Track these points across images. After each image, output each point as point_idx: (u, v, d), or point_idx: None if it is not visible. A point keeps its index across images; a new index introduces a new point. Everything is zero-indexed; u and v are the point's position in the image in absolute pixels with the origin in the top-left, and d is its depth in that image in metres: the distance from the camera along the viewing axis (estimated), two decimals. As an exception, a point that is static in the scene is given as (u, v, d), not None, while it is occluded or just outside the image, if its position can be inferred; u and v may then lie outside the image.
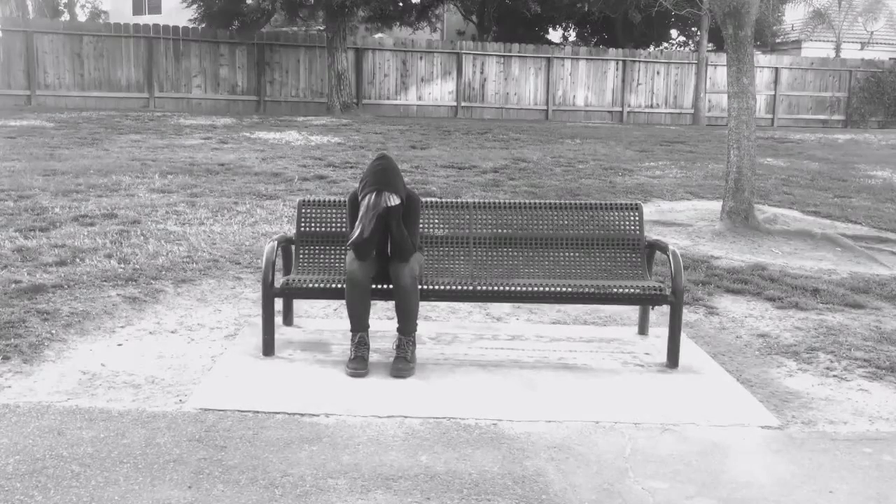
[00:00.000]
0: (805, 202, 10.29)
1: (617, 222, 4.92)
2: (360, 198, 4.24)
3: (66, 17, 36.85)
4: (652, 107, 24.72)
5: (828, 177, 12.90)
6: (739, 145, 8.10)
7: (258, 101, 21.78)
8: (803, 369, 4.63)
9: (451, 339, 4.89)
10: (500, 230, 4.90)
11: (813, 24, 30.91)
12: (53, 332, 4.69)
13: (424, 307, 5.30)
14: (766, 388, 4.31)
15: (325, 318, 5.28)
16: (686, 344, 4.83)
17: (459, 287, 4.47)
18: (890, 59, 29.01)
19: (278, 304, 4.76)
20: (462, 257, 4.84)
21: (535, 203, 5.00)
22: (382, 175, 4.19)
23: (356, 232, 4.19)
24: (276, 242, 4.57)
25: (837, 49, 30.13)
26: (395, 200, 4.19)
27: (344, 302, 4.45)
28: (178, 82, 21.23)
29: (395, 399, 3.97)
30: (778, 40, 32.86)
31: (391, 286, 4.33)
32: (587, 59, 24.24)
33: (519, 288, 4.50)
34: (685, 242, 7.82)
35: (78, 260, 6.18)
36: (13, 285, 5.44)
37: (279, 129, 16.53)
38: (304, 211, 4.85)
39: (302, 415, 3.76)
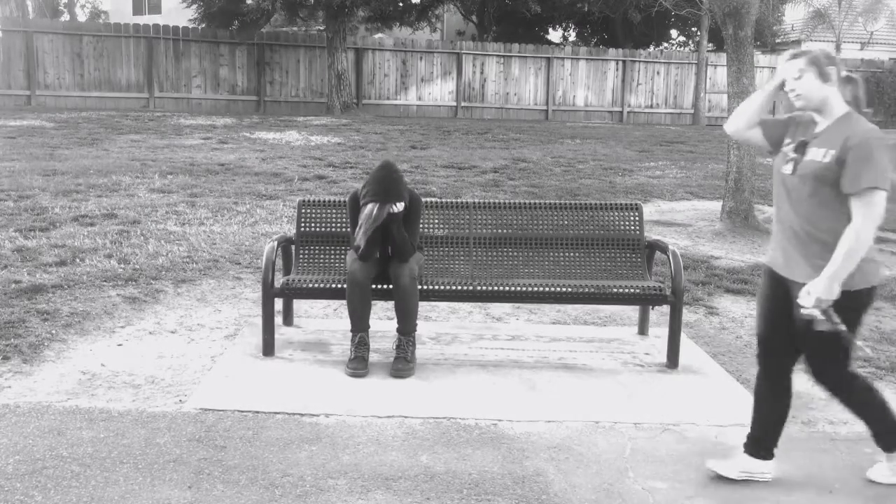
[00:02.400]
0: (805, 202, 10.27)
1: (617, 222, 4.92)
2: (361, 202, 4.25)
3: (66, 17, 36.84)
4: (652, 107, 24.71)
5: (828, 177, 12.89)
6: (739, 145, 8.10)
7: (258, 101, 21.78)
8: (803, 369, 4.62)
9: (451, 339, 4.89)
10: (500, 230, 4.90)
11: (813, 24, 30.86)
12: (53, 332, 4.69)
13: (424, 307, 5.30)
14: (766, 388, 4.30)
15: (325, 318, 5.28)
16: (686, 344, 4.83)
17: (459, 287, 4.47)
18: (890, 59, 29.02)
19: (278, 304, 4.76)
20: (462, 257, 4.84)
21: (535, 203, 5.00)
22: (385, 185, 4.19)
23: (357, 238, 4.22)
24: (276, 242, 4.57)
25: (837, 49, 30.06)
26: (398, 207, 4.21)
27: (344, 302, 4.45)
28: (178, 82, 21.23)
29: (395, 399, 3.97)
30: (778, 40, 32.83)
31: (391, 286, 4.33)
32: (587, 59, 24.23)
33: (519, 288, 4.50)
34: (685, 242, 7.82)
35: (78, 260, 6.18)
36: (13, 285, 5.44)
37: (279, 129, 16.53)
38: (304, 211, 4.85)
39: (302, 415, 3.76)
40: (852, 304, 2.98)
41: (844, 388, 3.20)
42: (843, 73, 3.09)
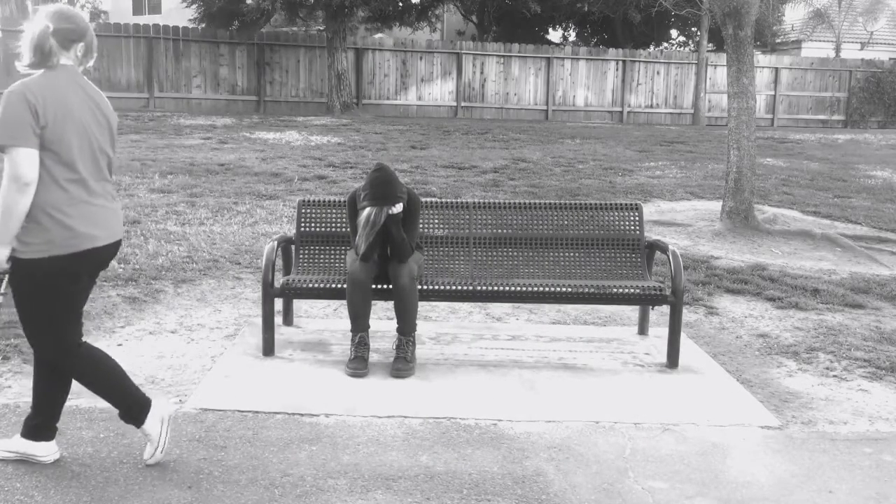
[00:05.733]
0: (805, 202, 10.29)
1: (617, 222, 4.92)
2: (358, 205, 4.25)
3: (66, 17, 36.76)
4: (652, 107, 24.71)
5: (828, 177, 12.91)
6: (739, 145, 8.10)
7: (258, 101, 21.78)
8: (803, 369, 4.63)
9: (451, 339, 4.89)
10: (500, 230, 4.90)
11: (813, 24, 30.88)
12: (53, 332, 4.69)
13: (424, 307, 5.30)
14: (766, 388, 4.31)
15: (325, 318, 5.28)
16: (686, 344, 4.83)
17: (459, 287, 4.47)
18: (890, 59, 29.00)
19: (278, 304, 4.76)
20: (462, 257, 4.84)
21: (535, 203, 5.00)
22: (381, 188, 4.19)
23: (358, 245, 4.22)
24: (276, 242, 4.57)
25: (837, 49, 30.12)
26: (397, 209, 4.21)
27: (344, 302, 4.45)
28: (177, 82, 21.22)
29: (395, 399, 3.97)
30: (778, 40, 32.84)
31: (391, 286, 4.33)
32: (587, 59, 24.23)
33: (519, 288, 4.50)
34: (685, 242, 7.82)
35: (78, 260, 6.17)
36: (13, 285, 5.44)
37: (279, 129, 16.53)
38: (304, 211, 4.85)
39: (302, 415, 3.76)
40: (23, 271, 2.89)
41: (61, 360, 3.12)
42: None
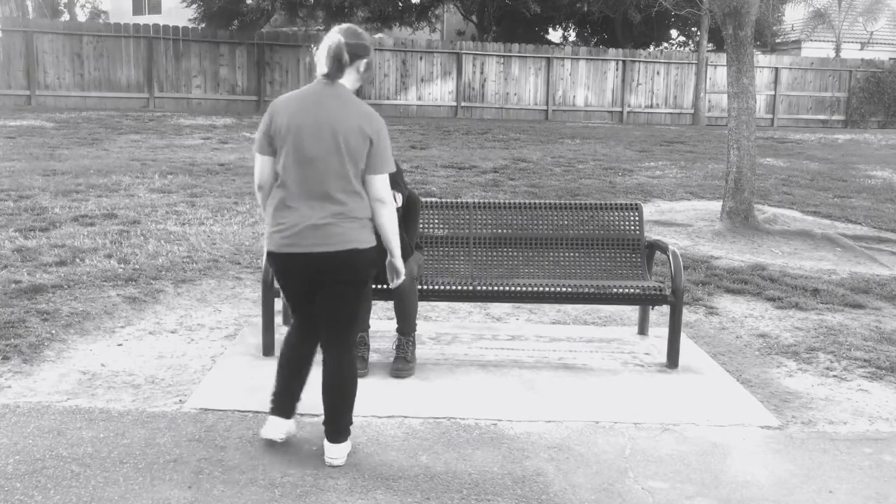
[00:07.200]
0: (805, 202, 10.29)
1: (617, 222, 4.93)
2: None
3: (66, 17, 36.83)
4: (652, 107, 24.71)
5: (828, 177, 12.91)
6: (739, 145, 8.11)
7: (258, 101, 21.77)
8: (803, 369, 4.63)
9: (451, 339, 4.89)
10: (500, 230, 4.90)
11: (813, 24, 30.89)
12: (53, 332, 4.69)
13: (424, 307, 5.30)
14: (766, 388, 4.31)
15: (325, 318, 5.27)
16: (686, 344, 4.83)
17: (459, 287, 4.47)
18: (890, 59, 29.00)
19: (278, 304, 4.76)
20: (462, 257, 4.84)
21: (535, 203, 5.01)
22: None
23: None
24: (276, 242, 4.56)
25: (837, 49, 30.11)
26: (397, 200, 4.20)
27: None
28: (177, 82, 21.22)
29: (394, 399, 3.97)
30: (778, 40, 32.83)
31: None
32: (587, 59, 24.23)
33: (519, 288, 4.50)
34: (685, 242, 7.82)
35: (78, 260, 6.18)
36: (13, 285, 5.44)
37: (279, 129, 16.50)
38: (304, 211, 4.84)
39: (302, 415, 3.75)
40: None
41: None
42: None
